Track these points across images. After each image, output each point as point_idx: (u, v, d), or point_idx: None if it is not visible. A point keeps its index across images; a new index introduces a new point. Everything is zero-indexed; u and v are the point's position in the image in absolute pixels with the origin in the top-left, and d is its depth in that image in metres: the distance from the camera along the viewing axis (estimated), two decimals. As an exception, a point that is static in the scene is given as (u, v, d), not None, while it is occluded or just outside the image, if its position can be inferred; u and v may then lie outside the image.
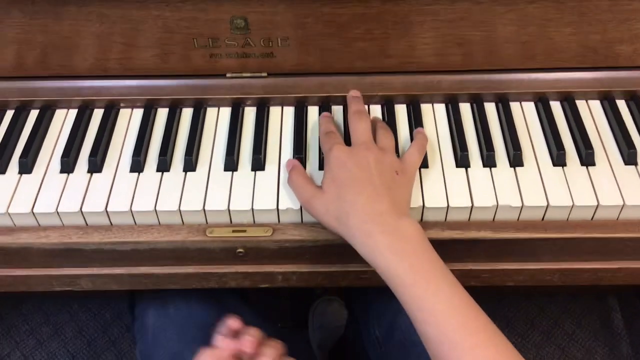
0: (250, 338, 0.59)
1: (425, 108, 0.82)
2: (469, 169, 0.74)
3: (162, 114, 0.82)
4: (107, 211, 0.71)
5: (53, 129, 0.81)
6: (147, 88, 0.82)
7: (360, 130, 0.72)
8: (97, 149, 0.76)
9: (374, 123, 0.75)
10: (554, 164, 0.75)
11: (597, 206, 0.70)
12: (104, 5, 0.75)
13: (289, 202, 0.71)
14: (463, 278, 0.62)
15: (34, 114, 0.82)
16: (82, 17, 0.76)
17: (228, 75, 0.82)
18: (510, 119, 0.79)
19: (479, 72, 0.82)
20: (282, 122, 0.81)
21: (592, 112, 0.81)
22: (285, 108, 0.82)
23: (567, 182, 0.72)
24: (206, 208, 0.71)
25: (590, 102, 0.82)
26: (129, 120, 0.81)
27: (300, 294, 1.43)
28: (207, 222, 0.72)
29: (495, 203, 0.70)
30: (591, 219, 0.72)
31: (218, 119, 0.81)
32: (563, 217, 0.72)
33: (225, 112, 0.82)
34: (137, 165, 0.75)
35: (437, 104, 0.82)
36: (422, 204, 0.71)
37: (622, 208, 0.71)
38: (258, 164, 0.75)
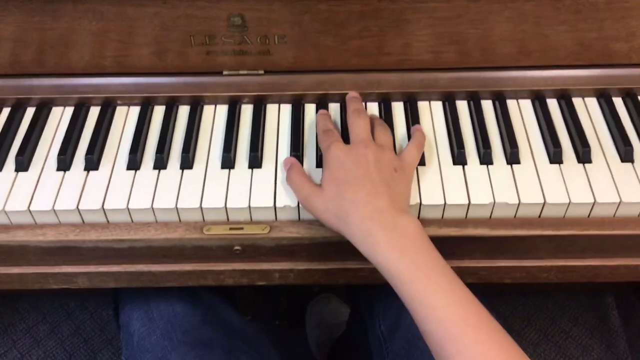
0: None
1: (422, 106, 0.82)
2: (466, 166, 0.74)
3: (158, 111, 0.82)
4: (103, 209, 0.71)
5: (49, 126, 0.81)
6: (144, 86, 0.82)
7: (358, 128, 0.72)
8: (93, 147, 0.76)
9: (372, 121, 0.75)
10: (551, 162, 0.75)
11: (594, 203, 0.71)
12: (101, 3, 0.75)
13: (286, 199, 0.71)
14: (460, 275, 0.62)
15: (30, 112, 0.82)
16: (78, 14, 0.76)
17: (225, 72, 0.82)
18: (507, 117, 0.79)
19: (476, 69, 0.82)
20: (279, 120, 0.81)
21: (588, 110, 0.81)
22: (282, 106, 0.82)
23: (564, 180, 0.73)
24: (203, 206, 0.71)
25: (587, 99, 0.82)
26: (125, 118, 0.81)
27: (297, 291, 1.43)
28: (204, 220, 0.72)
29: (492, 200, 0.71)
30: (588, 217, 0.72)
31: (215, 117, 0.81)
32: (560, 214, 0.72)
33: (222, 109, 0.82)
34: (134, 163, 0.75)
35: (434, 102, 0.82)
36: (419, 202, 0.71)
37: (618, 205, 0.71)
38: (255, 162, 0.75)
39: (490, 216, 0.72)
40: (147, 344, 0.80)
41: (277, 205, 0.71)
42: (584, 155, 0.75)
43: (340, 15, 0.76)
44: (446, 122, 0.80)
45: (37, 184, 0.74)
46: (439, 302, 0.58)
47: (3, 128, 0.80)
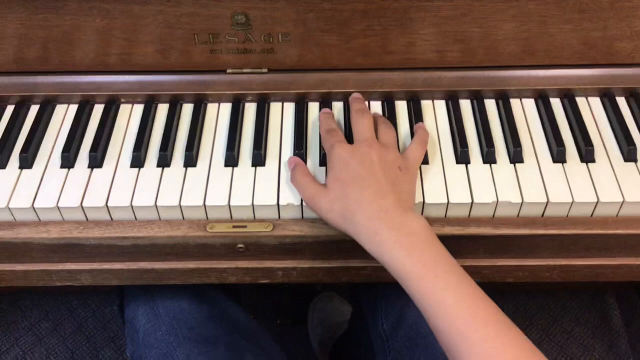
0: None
1: (426, 104, 0.82)
2: (469, 165, 0.74)
3: (162, 109, 0.82)
4: (107, 206, 0.71)
5: (53, 124, 0.81)
6: (148, 83, 0.82)
7: (362, 127, 0.72)
8: (97, 144, 0.76)
9: (375, 120, 0.75)
10: (554, 161, 0.75)
11: (597, 203, 0.71)
12: (105, 1, 0.75)
13: (289, 197, 0.71)
14: (463, 274, 0.62)
15: (34, 109, 0.82)
16: (82, 12, 0.76)
17: (228, 71, 0.82)
18: (510, 116, 0.79)
19: (480, 68, 0.82)
20: (282, 118, 0.81)
21: (592, 109, 0.81)
22: (285, 104, 0.82)
23: (567, 179, 0.73)
24: (207, 203, 0.71)
25: (590, 99, 0.82)
26: (129, 116, 0.81)
27: (299, 290, 1.43)
28: (207, 218, 0.72)
29: (495, 199, 0.71)
30: (591, 216, 0.72)
31: (218, 115, 0.81)
32: (563, 213, 0.72)
33: (226, 107, 0.82)
34: (138, 161, 0.75)
35: (437, 101, 0.82)
36: (422, 200, 0.71)
37: (621, 205, 0.71)
38: (258, 160, 0.75)
39: (494, 215, 0.72)
40: (153, 339, 0.81)
41: (281, 203, 0.71)
42: (587, 154, 0.75)
43: (344, 14, 0.76)
44: (449, 121, 0.80)
45: (41, 181, 0.74)
46: (448, 299, 0.59)
47: (7, 125, 0.80)
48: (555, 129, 0.77)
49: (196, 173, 0.74)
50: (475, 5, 0.76)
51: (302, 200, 0.70)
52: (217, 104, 0.82)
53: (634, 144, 0.75)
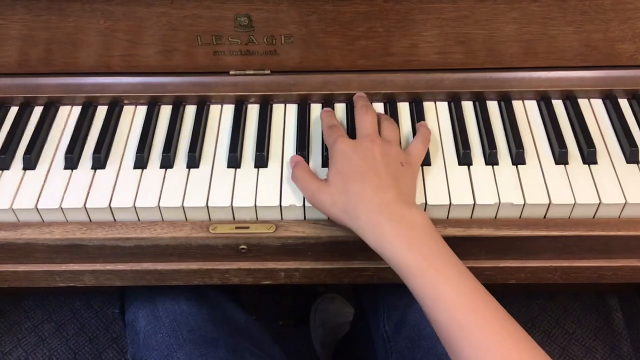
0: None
1: (428, 106, 0.82)
2: (471, 166, 0.75)
3: (165, 111, 0.82)
4: (110, 207, 0.71)
5: (57, 125, 0.81)
6: (151, 85, 0.82)
7: (365, 123, 0.72)
8: (100, 146, 0.77)
9: (378, 117, 0.76)
10: (556, 162, 0.75)
11: (599, 204, 0.71)
12: (108, 2, 0.75)
13: (292, 198, 0.71)
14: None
15: (37, 111, 0.82)
16: (86, 13, 0.76)
17: (231, 72, 0.82)
18: (512, 117, 0.79)
19: (482, 70, 0.82)
20: (285, 120, 0.81)
21: (594, 111, 0.81)
22: (288, 105, 0.83)
23: (569, 180, 0.73)
24: (209, 205, 0.71)
25: (592, 100, 0.82)
26: (132, 117, 0.82)
27: (301, 291, 1.44)
28: (210, 219, 0.72)
29: (498, 201, 0.71)
30: (593, 217, 0.72)
31: (221, 116, 0.81)
32: (565, 215, 0.72)
33: (229, 109, 0.82)
34: (141, 162, 0.75)
35: (439, 102, 0.82)
36: (424, 202, 0.71)
37: (623, 206, 0.71)
38: (261, 161, 0.75)
39: (496, 216, 0.72)
40: (153, 341, 0.81)
41: (283, 204, 0.71)
42: (589, 156, 0.75)
43: (346, 16, 0.76)
44: (452, 123, 0.80)
45: (44, 182, 0.74)
46: (448, 293, 0.59)
47: (11, 127, 0.80)
48: (557, 130, 0.77)
49: (199, 174, 0.74)
50: (478, 7, 0.76)
51: (304, 201, 0.71)
52: (219, 106, 0.83)
53: (636, 146, 0.75)
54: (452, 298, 0.58)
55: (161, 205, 0.71)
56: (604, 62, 0.81)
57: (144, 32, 0.78)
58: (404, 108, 0.82)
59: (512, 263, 0.75)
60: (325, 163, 0.75)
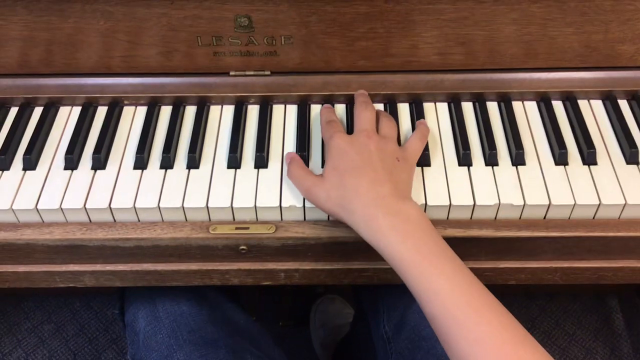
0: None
1: (428, 107, 0.82)
2: (471, 167, 0.75)
3: (165, 111, 0.82)
4: (110, 208, 0.71)
5: (57, 126, 0.81)
6: (151, 86, 0.83)
7: (363, 118, 0.73)
8: (100, 146, 0.77)
9: (378, 114, 0.76)
10: (556, 163, 0.75)
11: (599, 205, 0.71)
12: (109, 3, 0.75)
13: (292, 199, 0.71)
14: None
15: (37, 111, 0.82)
16: (86, 14, 0.76)
17: (231, 73, 0.82)
18: (512, 118, 0.79)
19: (482, 71, 0.82)
20: (285, 120, 0.81)
21: (594, 112, 0.81)
22: (288, 106, 0.83)
23: (569, 181, 0.73)
24: (209, 205, 0.71)
25: (592, 101, 0.82)
26: (132, 118, 0.82)
27: (301, 292, 1.43)
28: (210, 219, 0.72)
29: (497, 201, 0.71)
30: (593, 218, 0.72)
31: (221, 117, 0.81)
32: (565, 216, 0.72)
33: (229, 110, 0.82)
34: (141, 162, 0.75)
35: (439, 103, 0.82)
36: (424, 202, 0.71)
37: (623, 207, 0.71)
38: (261, 162, 0.75)
39: (496, 217, 0.72)
40: (153, 342, 0.81)
41: (283, 205, 0.71)
42: (589, 157, 0.75)
43: (346, 17, 0.76)
44: (452, 123, 0.80)
45: (44, 183, 0.74)
46: (442, 285, 0.59)
47: (11, 127, 0.80)
48: (557, 131, 0.77)
49: (199, 175, 0.74)
50: (477, 9, 0.76)
51: (304, 202, 0.71)
52: (220, 106, 0.83)
53: (636, 147, 0.75)
54: (446, 291, 0.58)
55: (161, 205, 0.71)
56: (604, 63, 0.81)
57: (144, 33, 0.78)
58: (404, 109, 0.82)
59: (512, 264, 0.75)
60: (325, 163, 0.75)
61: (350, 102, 0.81)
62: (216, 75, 0.82)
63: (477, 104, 0.82)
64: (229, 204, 0.71)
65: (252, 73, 0.82)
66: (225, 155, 0.76)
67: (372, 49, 0.80)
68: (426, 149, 0.75)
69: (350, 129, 0.78)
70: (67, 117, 0.82)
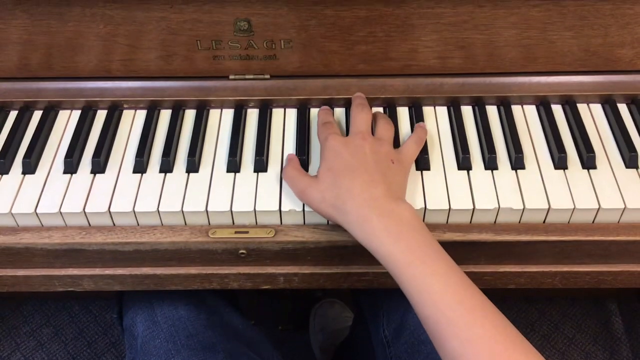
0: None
1: (427, 110, 0.82)
2: (470, 171, 0.75)
3: (165, 115, 0.82)
4: (109, 212, 0.71)
5: (56, 129, 0.81)
6: (151, 89, 0.83)
7: (359, 120, 0.73)
8: (100, 150, 0.76)
9: (376, 116, 0.76)
10: (556, 167, 0.75)
11: (599, 209, 0.71)
12: (108, 7, 0.75)
13: (291, 203, 0.71)
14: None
15: (37, 115, 0.82)
16: (86, 18, 0.76)
17: (231, 77, 0.82)
18: (511, 122, 0.79)
19: (481, 75, 0.82)
20: (284, 124, 0.81)
21: (593, 116, 0.81)
22: (287, 110, 0.83)
23: (569, 185, 0.73)
24: (209, 209, 0.71)
25: (592, 105, 0.83)
26: (132, 122, 0.82)
27: (300, 296, 1.43)
28: (209, 223, 0.72)
29: (497, 205, 0.71)
30: (592, 222, 0.72)
31: (221, 121, 0.81)
32: (564, 220, 0.72)
33: (228, 113, 0.82)
34: (140, 166, 0.75)
35: (439, 107, 0.82)
36: (424, 206, 0.71)
37: (623, 211, 0.71)
38: (260, 166, 0.75)
39: (495, 221, 0.72)
40: (151, 347, 0.81)
41: (283, 209, 0.71)
42: (588, 161, 0.75)
43: (346, 21, 0.77)
44: (451, 127, 0.80)
45: (43, 187, 0.74)
46: (435, 286, 0.59)
47: (10, 131, 0.80)
48: (556, 135, 0.77)
49: (198, 179, 0.74)
50: (477, 12, 0.76)
51: (304, 206, 0.71)
52: (219, 110, 0.83)
53: (635, 151, 0.75)
54: (438, 291, 0.58)
55: (160, 209, 0.71)
56: (603, 67, 0.81)
57: (144, 37, 0.78)
58: (403, 113, 0.82)
59: (512, 268, 0.75)
60: (324, 167, 0.75)
61: (349, 106, 0.81)
62: (216, 78, 0.82)
63: (476, 107, 0.82)
64: (228, 208, 0.71)
65: (251, 77, 0.82)
66: (224, 159, 0.76)
67: (371, 53, 0.80)
68: (425, 152, 0.75)
69: (348, 133, 0.78)
70: (66, 121, 0.82)
